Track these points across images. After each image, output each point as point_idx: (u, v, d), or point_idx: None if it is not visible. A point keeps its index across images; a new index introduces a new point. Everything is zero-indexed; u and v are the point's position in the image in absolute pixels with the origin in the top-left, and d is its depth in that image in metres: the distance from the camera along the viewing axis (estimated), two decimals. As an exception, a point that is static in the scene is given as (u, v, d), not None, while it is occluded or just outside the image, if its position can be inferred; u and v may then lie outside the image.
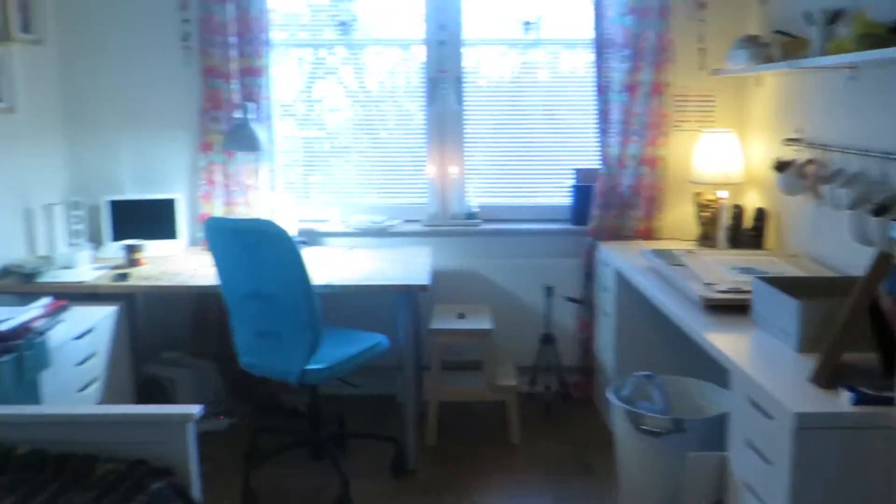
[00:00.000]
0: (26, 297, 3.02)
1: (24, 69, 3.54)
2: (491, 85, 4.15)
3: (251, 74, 3.88)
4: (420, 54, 4.05)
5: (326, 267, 3.51)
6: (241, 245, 2.97)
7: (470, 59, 4.06)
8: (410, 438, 3.37)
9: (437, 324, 3.67)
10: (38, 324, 2.72)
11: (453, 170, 4.09)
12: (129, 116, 3.99)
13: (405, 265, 3.57)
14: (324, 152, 4.19)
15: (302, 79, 4.12)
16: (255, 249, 2.95)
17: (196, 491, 2.19)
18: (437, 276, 3.97)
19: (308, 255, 3.66)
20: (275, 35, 3.98)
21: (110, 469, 2.03)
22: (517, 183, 4.22)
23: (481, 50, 4.09)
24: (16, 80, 3.45)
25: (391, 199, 4.20)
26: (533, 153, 4.16)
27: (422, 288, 3.29)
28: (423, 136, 4.10)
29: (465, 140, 4.11)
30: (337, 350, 3.20)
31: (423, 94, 4.06)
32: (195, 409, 2.17)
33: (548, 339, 3.97)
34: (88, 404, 2.83)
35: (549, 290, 3.95)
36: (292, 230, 3.83)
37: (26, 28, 3.57)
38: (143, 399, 3.59)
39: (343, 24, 4.06)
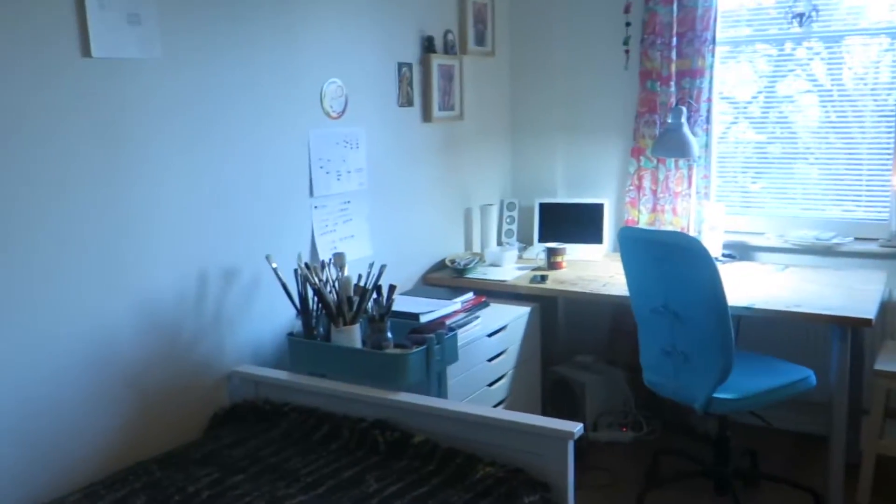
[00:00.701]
0: (455, 290, 3.27)
1: (474, 79, 3.84)
2: None
3: (690, 76, 3.69)
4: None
5: (751, 286, 3.18)
6: (653, 257, 2.83)
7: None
8: (835, 492, 2.89)
9: (886, 364, 3.07)
10: (456, 318, 2.92)
11: (927, 181, 3.39)
12: (567, 122, 4.09)
13: (848, 292, 3.06)
14: (777, 157, 3.77)
15: (762, 75, 3.76)
16: (668, 263, 2.78)
17: (569, 512, 2.13)
18: (893, 307, 3.34)
19: (732, 270, 3.38)
20: (726, 32, 3.73)
21: (489, 473, 2.07)
22: None
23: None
24: (467, 90, 3.76)
25: (842, 212, 3.64)
26: None
27: (864, 322, 2.78)
28: (890, 139, 3.47)
29: (953, 146, 3.38)
30: (752, 380, 2.87)
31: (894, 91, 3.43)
32: (576, 428, 2.10)
33: None
34: (485, 405, 2.96)
35: None
36: (717, 243, 3.55)
37: (480, 41, 3.87)
38: (551, 399, 3.67)
39: (800, 15, 3.62)
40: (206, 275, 2.52)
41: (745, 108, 3.80)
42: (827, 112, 3.65)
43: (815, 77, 3.65)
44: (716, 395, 2.76)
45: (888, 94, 3.48)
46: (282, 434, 2.32)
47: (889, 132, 3.48)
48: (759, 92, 3.76)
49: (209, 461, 2.16)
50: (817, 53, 3.63)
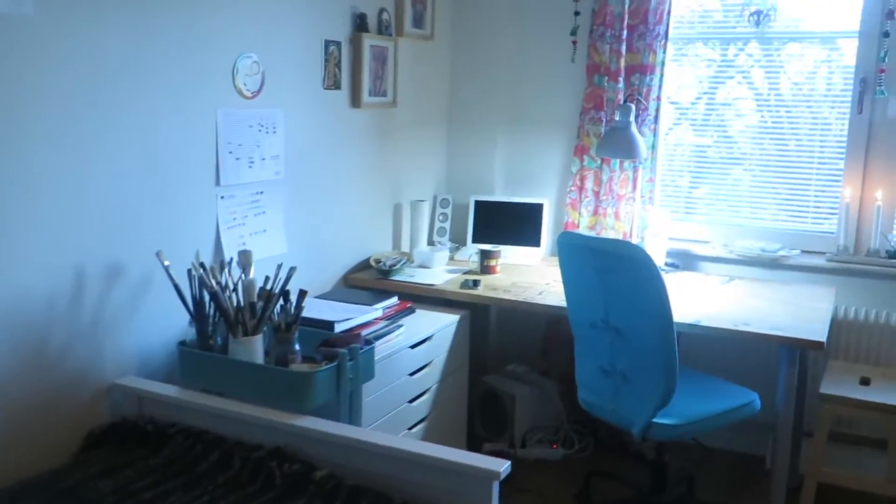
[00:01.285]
0: (378, 294, 2.98)
1: (411, 64, 3.54)
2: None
3: (640, 72, 3.46)
4: (849, 50, 3.26)
5: (695, 299, 2.97)
6: (594, 267, 2.59)
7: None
8: (775, 522, 2.72)
9: (831, 388, 2.91)
10: (376, 327, 2.63)
11: (879, 195, 3.23)
12: (508, 116, 3.82)
13: (797, 310, 2.88)
14: (715, 163, 3.58)
15: (704, 78, 3.56)
16: (611, 274, 2.54)
17: (489, 564, 1.86)
18: (838, 325, 3.19)
19: (675, 281, 3.17)
20: (677, 31, 3.50)
21: (401, 515, 1.80)
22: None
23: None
24: (401, 74, 3.45)
25: (789, 223, 3.47)
26: None
27: (816, 345, 2.59)
28: (842, 150, 3.31)
29: (907, 159, 3.22)
30: (694, 403, 2.67)
31: (848, 99, 3.26)
32: (503, 467, 1.84)
33: None
34: (403, 427, 2.72)
35: None
36: (661, 251, 3.34)
37: (419, 23, 3.56)
38: (479, 411, 3.42)
39: (757, 13, 3.42)
40: (83, 272, 2.17)
41: (686, 110, 3.61)
42: (766, 120, 3.48)
43: (765, 84, 3.47)
44: (656, 420, 2.54)
45: (832, 105, 3.33)
46: (163, 462, 2.00)
47: (839, 143, 3.32)
48: (700, 95, 3.56)
49: (71, 495, 1.83)
50: (759, 59, 3.44)
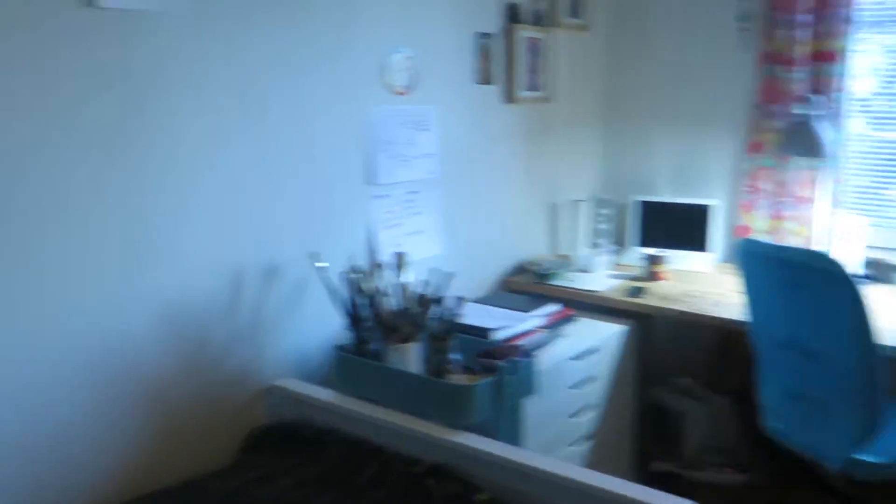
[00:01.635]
0: (535, 299, 2.81)
1: (566, 57, 3.34)
2: None
3: (822, 60, 3.10)
4: None
5: (894, 317, 2.60)
6: (782, 280, 2.30)
7: None
8: None
9: None
10: (537, 336, 2.46)
11: None
12: (670, 108, 3.54)
13: None
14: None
15: (882, 67, 3.16)
16: (802, 289, 2.25)
17: None
18: None
19: (870, 295, 2.80)
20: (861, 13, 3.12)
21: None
22: None
23: None
24: (558, 68, 3.26)
25: None
26: None
27: None
28: None
29: None
30: (903, 438, 2.32)
31: None
32: (689, 507, 1.61)
33: None
34: (565, 444, 2.53)
35: None
36: (857, 261, 2.96)
37: (574, 12, 3.36)
38: (644, 428, 3.17)
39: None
40: (242, 274, 2.13)
41: (866, 102, 3.18)
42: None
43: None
44: (858, 456, 2.21)
45: None
46: (320, 471, 1.91)
47: None
48: (885, 86, 3.13)
49: (229, 502, 1.77)
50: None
